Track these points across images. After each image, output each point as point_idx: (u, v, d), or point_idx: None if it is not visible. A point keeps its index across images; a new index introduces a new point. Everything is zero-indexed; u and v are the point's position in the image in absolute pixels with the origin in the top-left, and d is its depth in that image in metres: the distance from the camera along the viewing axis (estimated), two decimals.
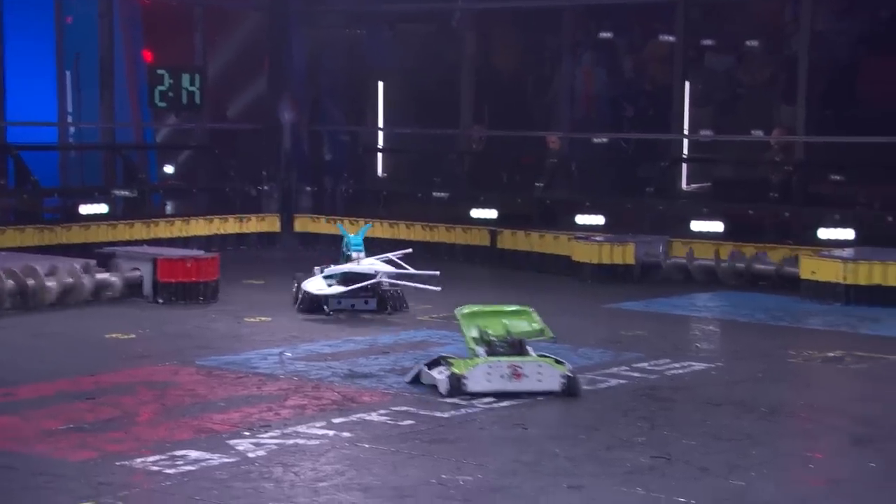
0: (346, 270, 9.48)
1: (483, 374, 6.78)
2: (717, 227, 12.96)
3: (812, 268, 10.92)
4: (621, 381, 7.47)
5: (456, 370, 6.84)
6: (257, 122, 16.26)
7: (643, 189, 13.77)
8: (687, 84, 14.50)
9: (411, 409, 6.58)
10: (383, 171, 16.83)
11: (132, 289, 10.47)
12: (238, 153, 16.22)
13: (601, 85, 15.97)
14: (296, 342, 8.59)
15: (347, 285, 9.50)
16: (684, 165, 14.60)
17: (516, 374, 6.82)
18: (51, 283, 9.95)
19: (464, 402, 6.70)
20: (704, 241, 12.50)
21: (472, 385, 6.76)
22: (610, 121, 15.68)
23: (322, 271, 9.75)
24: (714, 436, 6.18)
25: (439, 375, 6.90)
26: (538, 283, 12.24)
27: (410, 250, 10.21)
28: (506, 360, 6.82)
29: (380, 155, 16.59)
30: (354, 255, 9.66)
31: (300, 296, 9.63)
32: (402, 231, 14.45)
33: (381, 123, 16.65)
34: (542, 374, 6.86)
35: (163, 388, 7.08)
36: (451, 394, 6.73)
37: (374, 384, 7.23)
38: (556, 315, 9.03)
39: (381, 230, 14.43)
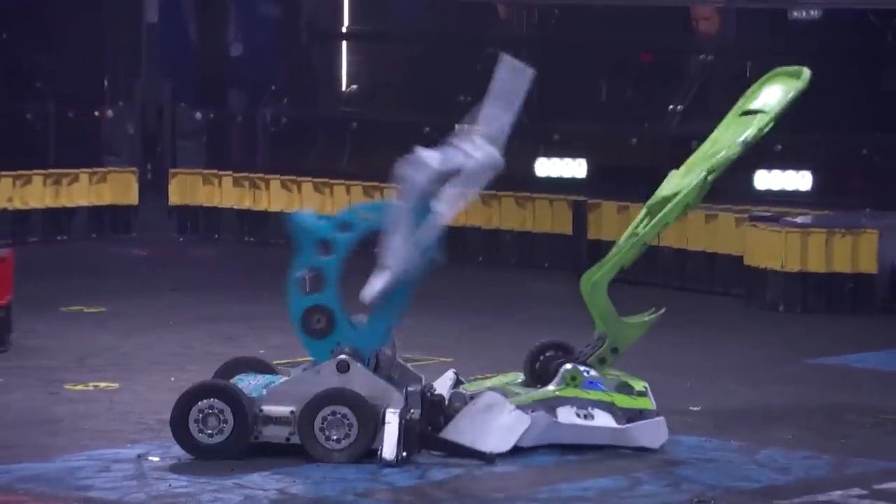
0: None
1: None
2: None
3: None
4: None
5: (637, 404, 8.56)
6: None
7: (893, 119, 13.87)
8: None
9: None
10: (352, 80, 17.01)
11: None
12: (52, 43, 16.31)
13: None
14: (170, 434, 8.43)
15: None
16: None
17: None
18: None
19: None
20: None
21: None
22: None
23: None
24: None
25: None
26: (676, 311, 12.05)
27: None
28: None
29: (344, 47, 16.72)
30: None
31: None
32: None
33: None
34: None
35: None
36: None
37: None
38: (712, 379, 9.35)
39: (345, 201, 14.49)
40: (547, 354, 8.82)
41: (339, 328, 8.29)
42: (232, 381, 8.35)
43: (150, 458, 8.17)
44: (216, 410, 8.07)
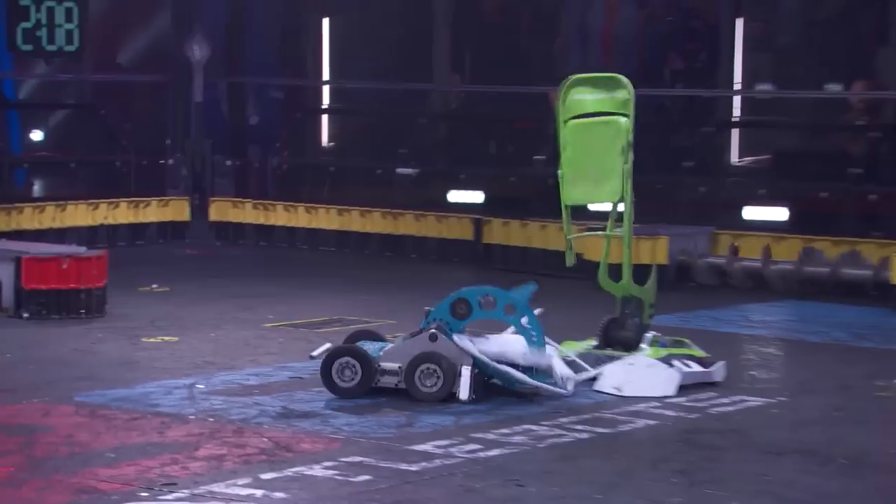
0: None
1: None
2: (778, 213, 13.01)
3: None
4: (650, 423, 7.46)
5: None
6: (158, 71, 16.32)
7: (679, 163, 13.81)
8: (740, 22, 14.54)
9: (367, 459, 6.61)
10: (330, 139, 16.87)
11: None
12: (132, 114, 16.20)
13: (626, 22, 16.05)
14: (211, 370, 8.59)
15: None
16: (735, 132, 14.66)
17: None
18: None
19: (438, 451, 6.73)
20: (761, 234, 12.48)
21: None
22: (636, 71, 15.63)
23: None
24: (775, 496, 6.17)
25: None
26: (547, 292, 12.07)
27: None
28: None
29: (325, 118, 16.63)
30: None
31: None
32: (354, 221, 14.45)
33: (326, 75, 16.69)
34: None
35: (29, 433, 7.05)
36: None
37: (316, 426, 7.24)
38: (560, 333, 9.02)
39: (326, 219, 14.51)
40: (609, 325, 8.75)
41: (473, 316, 8.16)
42: (357, 344, 8.19)
43: (197, 386, 8.14)
44: (350, 365, 7.92)
